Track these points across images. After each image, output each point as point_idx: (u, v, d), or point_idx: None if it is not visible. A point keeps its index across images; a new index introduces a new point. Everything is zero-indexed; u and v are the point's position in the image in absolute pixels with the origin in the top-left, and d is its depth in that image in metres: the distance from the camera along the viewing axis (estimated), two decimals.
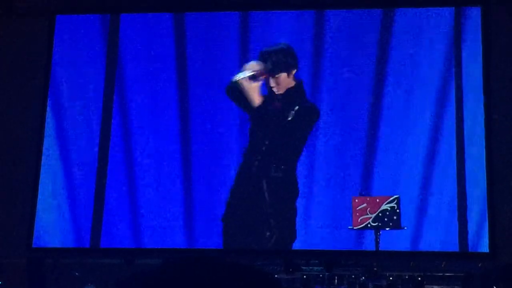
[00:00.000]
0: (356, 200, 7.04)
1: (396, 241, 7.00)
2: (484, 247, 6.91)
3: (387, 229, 6.98)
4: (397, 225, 6.97)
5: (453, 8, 7.28)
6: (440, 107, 7.11)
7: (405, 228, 6.96)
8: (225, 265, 1.26)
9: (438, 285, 7.21)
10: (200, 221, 7.20)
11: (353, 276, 7.25)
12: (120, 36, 7.63)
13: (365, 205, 7.01)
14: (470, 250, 6.97)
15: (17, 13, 7.88)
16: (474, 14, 7.25)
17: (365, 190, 7.08)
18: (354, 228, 7.02)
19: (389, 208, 6.98)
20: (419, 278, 7.18)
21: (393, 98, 7.17)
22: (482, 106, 7.07)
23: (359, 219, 7.01)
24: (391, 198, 7.01)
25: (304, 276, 7.27)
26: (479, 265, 7.14)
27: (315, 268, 7.29)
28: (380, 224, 6.98)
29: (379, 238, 6.98)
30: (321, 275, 7.30)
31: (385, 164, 7.08)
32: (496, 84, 7.15)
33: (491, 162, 6.98)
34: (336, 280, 7.27)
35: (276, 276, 7.09)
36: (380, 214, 6.98)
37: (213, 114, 7.34)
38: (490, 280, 7.07)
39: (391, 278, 7.20)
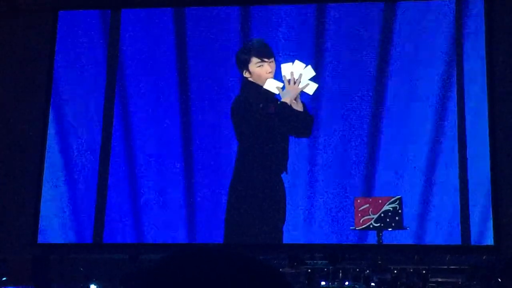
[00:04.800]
0: (358, 201, 7.01)
1: (398, 241, 6.98)
2: (485, 242, 6.88)
3: (389, 229, 6.95)
4: (399, 226, 6.94)
5: (454, 0, 7.23)
6: (442, 104, 7.07)
7: (408, 228, 6.93)
8: (230, 258, 1.27)
9: (442, 278, 7.20)
10: (201, 216, 7.21)
11: (357, 270, 7.25)
12: (121, 31, 7.62)
13: (367, 205, 6.98)
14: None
15: (19, 9, 7.88)
16: (476, 7, 7.19)
17: (367, 191, 7.06)
18: (356, 228, 7.00)
19: (391, 209, 6.94)
20: (424, 271, 7.17)
21: (395, 97, 7.14)
22: (484, 102, 7.02)
23: (361, 220, 6.98)
24: (393, 199, 6.97)
25: (309, 270, 7.27)
26: (484, 258, 7.13)
27: (320, 262, 7.28)
28: (382, 224, 6.95)
29: (381, 239, 6.95)
30: (325, 269, 7.29)
31: (387, 165, 7.05)
32: (500, 78, 7.11)
33: (495, 156, 6.95)
34: (340, 274, 7.26)
35: (280, 270, 7.07)
36: (382, 215, 6.95)
37: (214, 109, 7.33)
38: (495, 273, 7.06)
39: (395, 272, 7.20)
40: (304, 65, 7.21)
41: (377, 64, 7.19)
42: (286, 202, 7.09)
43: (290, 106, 7.16)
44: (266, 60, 7.22)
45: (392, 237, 6.97)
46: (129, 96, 7.49)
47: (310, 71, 7.19)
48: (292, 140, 7.20)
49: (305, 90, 7.18)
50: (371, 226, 6.97)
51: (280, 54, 7.28)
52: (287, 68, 7.19)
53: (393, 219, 6.94)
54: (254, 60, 7.23)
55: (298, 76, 7.16)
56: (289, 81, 7.17)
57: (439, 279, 7.20)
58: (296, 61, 7.20)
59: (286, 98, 7.17)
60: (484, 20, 7.15)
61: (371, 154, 7.09)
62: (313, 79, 7.22)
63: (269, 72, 7.21)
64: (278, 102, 7.19)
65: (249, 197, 7.14)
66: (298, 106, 7.17)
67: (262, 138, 7.21)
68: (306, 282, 7.31)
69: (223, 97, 7.31)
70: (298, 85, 7.16)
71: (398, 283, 7.19)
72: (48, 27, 7.76)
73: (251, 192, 7.15)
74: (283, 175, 7.13)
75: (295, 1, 7.44)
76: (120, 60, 7.56)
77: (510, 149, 7.03)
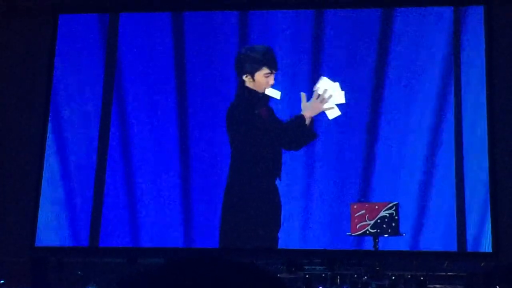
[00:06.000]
0: (355, 207, 7.00)
1: (394, 247, 6.98)
2: (483, 249, 6.87)
3: (385, 235, 6.94)
4: (395, 232, 6.93)
5: (453, 7, 7.22)
6: (440, 111, 7.06)
7: (404, 234, 6.92)
8: (229, 265, 1.26)
9: (440, 284, 7.18)
10: (198, 220, 7.20)
11: (355, 276, 7.22)
12: (119, 35, 7.62)
13: (363, 211, 6.97)
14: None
15: (20, 12, 7.89)
16: (476, 14, 7.18)
17: (364, 197, 7.05)
18: (353, 234, 6.99)
19: (387, 215, 6.93)
20: (422, 278, 7.14)
21: (392, 103, 7.13)
22: (481, 108, 7.02)
23: (357, 226, 6.97)
24: (390, 205, 6.96)
25: (307, 276, 7.25)
26: (482, 264, 7.11)
27: (318, 267, 7.26)
28: (378, 230, 6.94)
29: (377, 245, 6.94)
30: (323, 275, 7.27)
31: (384, 170, 7.05)
32: (499, 85, 7.10)
33: (494, 162, 6.93)
34: (338, 280, 7.23)
35: (278, 275, 7.07)
36: (378, 221, 6.94)
37: (212, 114, 7.32)
38: (493, 280, 7.04)
39: (393, 278, 7.17)
40: (340, 89, 7.18)
41: (374, 70, 7.19)
42: (282, 207, 7.08)
43: (304, 123, 7.14)
44: (273, 72, 7.23)
45: (388, 243, 6.96)
46: (126, 100, 7.50)
47: (341, 97, 7.17)
48: None
49: (326, 112, 7.17)
50: (367, 232, 6.96)
51: (278, 60, 7.27)
52: (324, 84, 7.17)
53: (389, 225, 6.93)
54: (265, 70, 7.21)
55: (328, 96, 7.15)
56: (318, 95, 7.16)
57: (437, 286, 7.17)
58: (337, 83, 7.19)
59: (306, 112, 7.16)
60: (484, 27, 7.13)
61: (368, 160, 7.08)
62: (309, 86, 7.21)
63: (270, 84, 7.22)
64: (298, 114, 7.17)
65: (243, 202, 7.13)
66: (308, 121, 7.17)
67: (256, 144, 7.19)
68: (304, 287, 7.29)
69: (221, 102, 7.30)
70: (323, 105, 7.15)
71: None
72: (48, 30, 7.77)
73: (245, 197, 7.14)
74: (280, 182, 7.12)
75: (293, 6, 7.43)
76: (118, 64, 7.56)
77: (508, 156, 7.01)
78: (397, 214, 6.93)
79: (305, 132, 7.15)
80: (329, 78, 7.23)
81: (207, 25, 7.50)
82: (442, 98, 7.07)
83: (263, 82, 7.19)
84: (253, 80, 7.20)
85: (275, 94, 7.20)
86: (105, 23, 7.67)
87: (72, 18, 7.77)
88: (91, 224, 7.30)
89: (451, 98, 7.06)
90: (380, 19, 7.28)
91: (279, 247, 7.10)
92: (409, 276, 7.18)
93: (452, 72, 7.10)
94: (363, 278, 7.16)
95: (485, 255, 6.91)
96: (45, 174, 7.46)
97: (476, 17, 7.17)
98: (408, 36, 7.21)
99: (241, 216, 7.12)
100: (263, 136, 7.20)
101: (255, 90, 7.21)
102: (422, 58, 7.14)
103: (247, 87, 7.22)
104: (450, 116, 7.04)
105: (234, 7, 7.53)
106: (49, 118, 7.57)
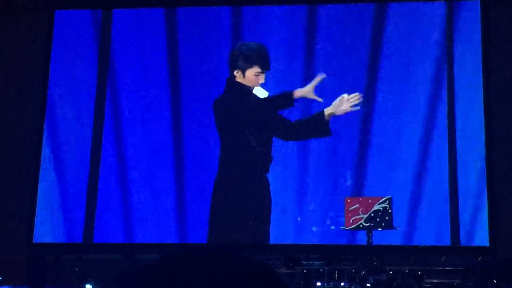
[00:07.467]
0: (349, 201, 7.02)
1: (388, 241, 6.98)
2: (480, 244, 6.86)
3: (379, 229, 6.95)
4: (389, 225, 6.94)
5: (448, 2, 7.21)
6: (433, 105, 7.07)
7: (398, 228, 6.93)
8: (227, 258, 1.26)
9: (438, 279, 7.18)
10: (191, 216, 7.21)
11: (353, 271, 7.23)
12: (112, 31, 7.62)
13: (357, 205, 6.98)
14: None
15: (16, 9, 7.90)
16: (470, 9, 7.17)
17: (358, 191, 7.06)
18: (346, 228, 7.01)
19: (381, 209, 6.95)
20: (419, 272, 7.15)
21: (386, 98, 7.13)
22: (475, 101, 7.01)
23: (351, 220, 6.98)
24: (383, 199, 6.97)
25: (305, 271, 7.25)
26: (479, 259, 7.10)
27: (315, 262, 7.27)
28: (372, 224, 6.96)
29: (371, 239, 6.95)
30: (321, 270, 7.28)
31: (377, 165, 7.05)
32: (494, 78, 7.09)
33: (491, 157, 6.92)
34: (336, 275, 7.24)
35: (276, 270, 7.05)
36: (372, 215, 6.96)
37: (205, 109, 7.32)
38: (490, 274, 7.04)
39: (391, 272, 7.18)
40: None
41: (368, 65, 7.18)
42: (275, 202, 7.08)
43: (325, 121, 7.09)
44: (264, 71, 7.20)
45: (382, 237, 6.97)
46: (120, 97, 7.50)
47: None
48: (282, 140, 7.20)
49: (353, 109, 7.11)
50: (361, 226, 6.97)
51: (271, 55, 7.26)
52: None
53: (383, 219, 6.94)
54: (256, 68, 7.18)
55: (356, 98, 7.08)
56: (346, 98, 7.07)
57: (435, 280, 7.17)
58: None
59: (329, 109, 7.07)
60: (481, 25, 7.12)
61: (362, 154, 7.09)
62: (303, 81, 7.21)
63: (260, 83, 7.19)
64: (319, 112, 7.11)
65: (232, 195, 7.13)
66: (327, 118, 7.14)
67: (245, 137, 7.18)
68: (302, 282, 7.30)
69: (214, 97, 7.30)
70: (350, 106, 7.07)
71: (394, 284, 7.16)
72: (44, 27, 7.78)
73: (234, 190, 7.14)
74: (273, 176, 7.12)
75: (287, 1, 7.42)
76: (111, 60, 7.57)
77: (505, 151, 7.00)
78: (390, 208, 6.94)
79: (322, 128, 7.09)
80: (322, 73, 7.21)
81: (200, 21, 7.49)
82: (436, 92, 7.07)
83: (253, 80, 7.17)
84: (243, 76, 7.17)
85: (263, 94, 7.20)
86: (98, 20, 7.67)
87: (67, 14, 7.77)
88: (85, 220, 7.31)
89: (445, 93, 7.06)
90: (373, 15, 7.27)
91: (274, 242, 7.10)
92: (406, 271, 7.19)
93: (445, 68, 7.09)
94: (361, 273, 7.17)
95: (482, 249, 6.91)
96: (42, 171, 7.46)
97: (470, 10, 7.16)
98: (401, 31, 7.20)
99: (230, 210, 7.12)
100: (254, 130, 7.19)
101: (244, 85, 7.19)
102: (416, 53, 7.14)
103: (236, 82, 7.20)
104: (444, 110, 7.04)
105: (227, 2, 7.51)
106: (45, 116, 7.57)
